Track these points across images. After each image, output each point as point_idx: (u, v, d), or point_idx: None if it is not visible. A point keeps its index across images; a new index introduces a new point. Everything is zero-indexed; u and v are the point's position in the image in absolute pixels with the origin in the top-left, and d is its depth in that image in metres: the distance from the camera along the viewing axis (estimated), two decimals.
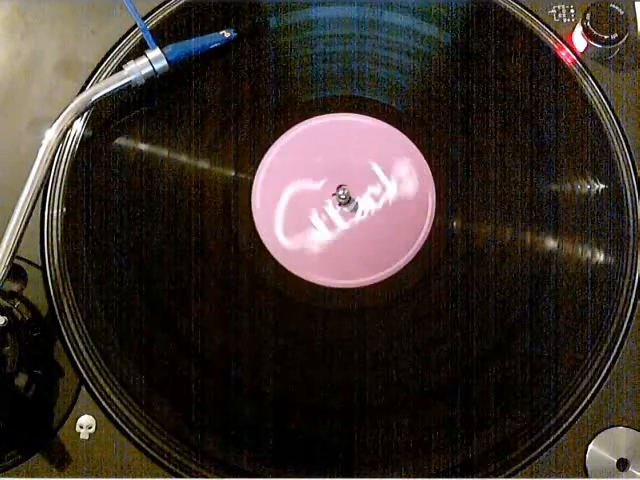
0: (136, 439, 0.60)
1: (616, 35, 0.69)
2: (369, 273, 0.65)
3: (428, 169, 0.68)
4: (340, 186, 0.67)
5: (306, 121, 0.70)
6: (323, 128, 0.70)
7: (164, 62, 0.67)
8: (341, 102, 0.71)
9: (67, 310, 0.63)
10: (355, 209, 0.67)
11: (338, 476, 0.59)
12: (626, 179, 0.67)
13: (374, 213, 0.67)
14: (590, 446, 0.59)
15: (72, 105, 0.64)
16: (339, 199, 0.66)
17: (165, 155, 0.68)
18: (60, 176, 0.67)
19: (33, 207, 0.61)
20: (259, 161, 0.69)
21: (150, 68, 0.67)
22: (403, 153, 0.69)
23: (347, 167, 0.68)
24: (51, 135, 0.63)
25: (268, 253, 0.65)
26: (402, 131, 0.69)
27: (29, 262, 0.64)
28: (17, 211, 0.60)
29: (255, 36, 0.72)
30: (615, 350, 0.62)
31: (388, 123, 0.70)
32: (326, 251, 0.66)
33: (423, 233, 0.66)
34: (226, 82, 0.71)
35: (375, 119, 0.70)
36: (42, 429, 0.60)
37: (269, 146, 0.69)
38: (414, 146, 0.69)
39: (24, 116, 0.70)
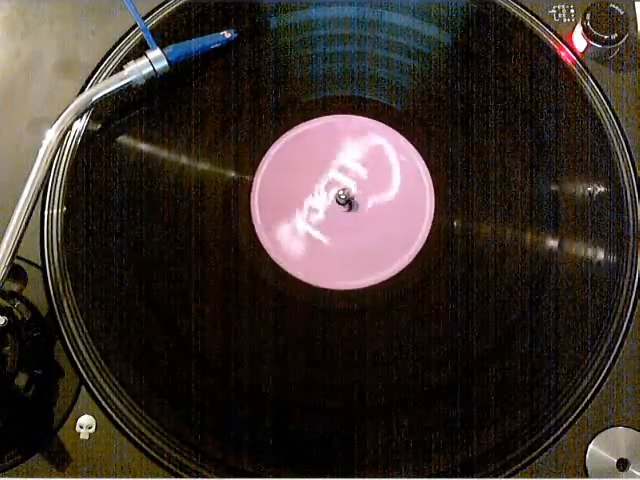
0: (136, 439, 0.60)
1: (616, 35, 0.69)
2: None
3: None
4: (340, 186, 0.67)
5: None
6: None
7: (164, 62, 0.67)
8: (341, 102, 0.71)
9: (67, 310, 0.63)
10: (355, 209, 0.67)
11: (338, 476, 0.58)
12: (626, 179, 0.67)
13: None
14: (590, 446, 0.59)
15: (72, 105, 0.64)
16: (339, 199, 0.66)
17: (165, 155, 0.68)
18: (60, 176, 0.67)
19: (33, 207, 0.61)
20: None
21: (150, 68, 0.67)
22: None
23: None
24: (51, 135, 0.63)
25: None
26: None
27: (29, 262, 0.64)
28: (17, 211, 0.60)
29: (255, 36, 0.73)
30: (615, 350, 0.62)
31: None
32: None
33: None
34: (226, 82, 0.71)
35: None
36: (42, 429, 0.60)
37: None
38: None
39: (24, 116, 0.70)
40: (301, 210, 0.67)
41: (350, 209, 0.67)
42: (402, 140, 0.69)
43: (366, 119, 0.70)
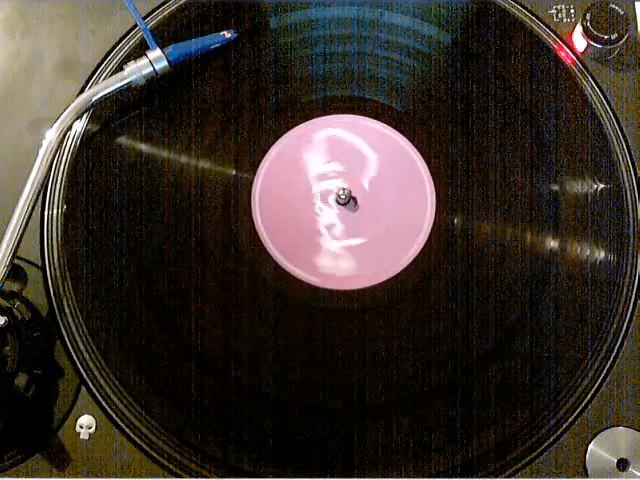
0: (136, 439, 0.60)
1: (616, 35, 0.69)
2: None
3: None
4: (340, 186, 0.67)
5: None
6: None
7: (165, 62, 0.67)
8: (341, 102, 0.71)
9: (67, 310, 0.63)
10: (355, 209, 0.67)
11: (338, 476, 0.58)
12: (626, 179, 0.67)
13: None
14: (590, 446, 0.59)
15: (72, 105, 0.64)
16: (339, 199, 0.66)
17: (165, 155, 0.68)
18: (60, 176, 0.67)
19: (33, 207, 0.61)
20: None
21: (150, 68, 0.67)
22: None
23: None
24: (51, 135, 0.63)
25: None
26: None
27: (29, 262, 0.64)
28: (17, 211, 0.60)
29: (255, 36, 0.73)
30: (615, 350, 0.62)
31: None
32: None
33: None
34: (226, 82, 0.71)
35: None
36: (42, 429, 0.60)
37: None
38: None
39: (24, 116, 0.70)
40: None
41: (350, 209, 0.67)
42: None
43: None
